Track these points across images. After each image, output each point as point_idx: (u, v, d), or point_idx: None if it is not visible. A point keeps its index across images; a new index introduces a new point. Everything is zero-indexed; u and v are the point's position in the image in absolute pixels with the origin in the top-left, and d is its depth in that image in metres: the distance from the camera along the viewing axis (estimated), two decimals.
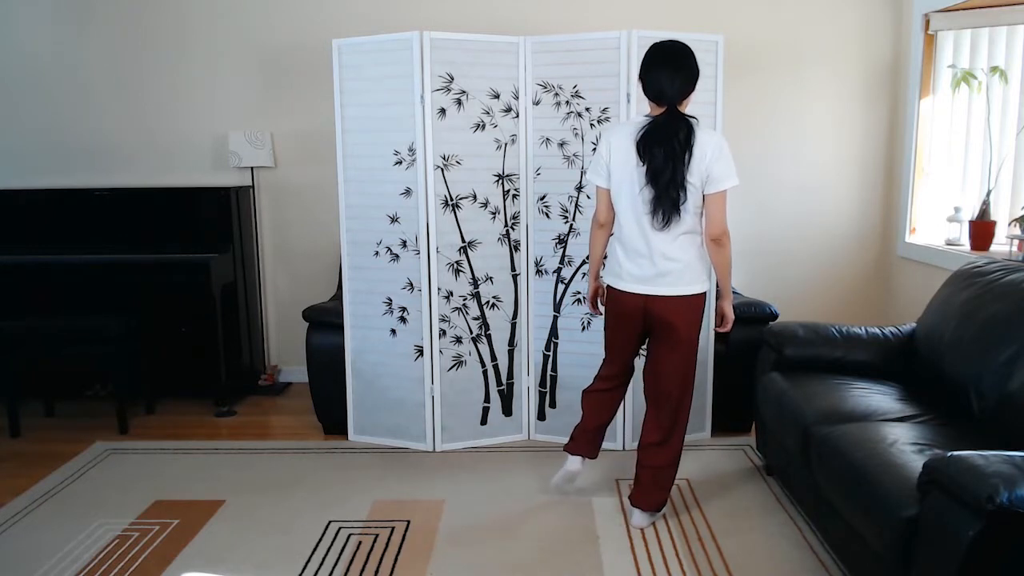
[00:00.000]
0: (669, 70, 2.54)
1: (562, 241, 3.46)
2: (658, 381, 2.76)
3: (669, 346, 2.70)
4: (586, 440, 2.94)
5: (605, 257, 2.87)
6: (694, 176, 2.55)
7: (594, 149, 3.31)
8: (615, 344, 2.84)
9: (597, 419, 2.93)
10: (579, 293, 3.45)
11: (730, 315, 2.80)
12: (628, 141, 2.59)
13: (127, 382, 3.89)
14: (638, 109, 3.28)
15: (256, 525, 2.88)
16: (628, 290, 2.67)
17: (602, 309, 2.93)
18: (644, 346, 2.90)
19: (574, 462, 2.96)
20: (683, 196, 2.55)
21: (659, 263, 2.62)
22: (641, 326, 2.72)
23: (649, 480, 2.80)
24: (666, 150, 2.51)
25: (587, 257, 2.83)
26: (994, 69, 3.60)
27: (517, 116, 3.42)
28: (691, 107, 3.36)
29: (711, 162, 2.55)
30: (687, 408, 2.81)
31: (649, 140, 2.53)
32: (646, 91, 2.60)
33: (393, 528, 2.84)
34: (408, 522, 2.88)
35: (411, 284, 3.45)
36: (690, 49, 2.58)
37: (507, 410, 3.62)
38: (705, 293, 2.72)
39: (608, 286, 2.79)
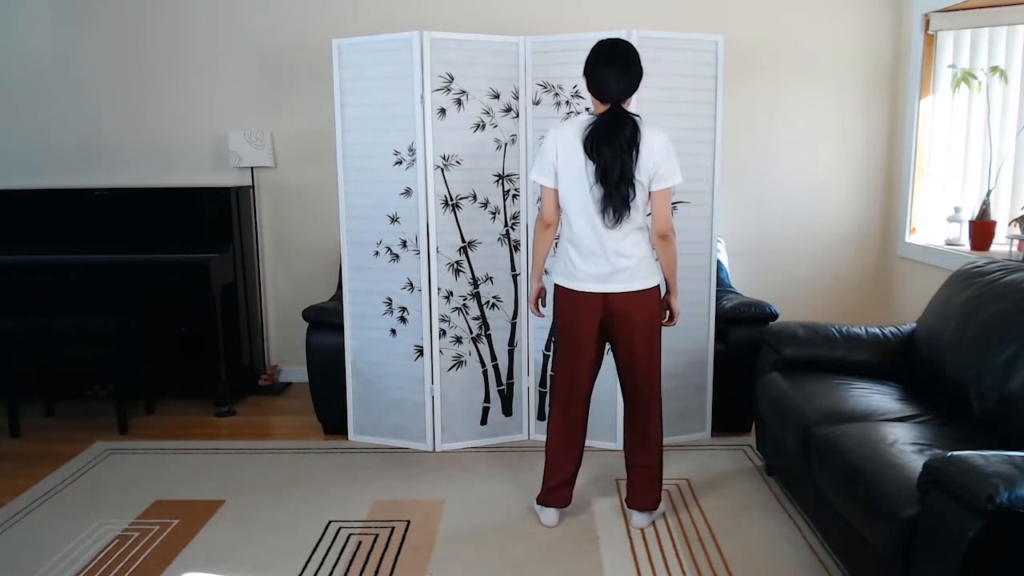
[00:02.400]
0: (616, 69, 2.55)
1: None
2: (629, 376, 2.76)
3: (632, 341, 2.69)
4: (560, 493, 2.86)
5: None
6: (642, 173, 2.57)
7: None
8: (576, 350, 2.73)
9: (571, 466, 2.85)
10: None
11: (677, 310, 2.81)
12: (575, 140, 2.59)
13: (127, 382, 3.89)
14: (637, 109, 3.28)
15: (256, 525, 2.88)
16: (586, 290, 2.66)
17: (543, 311, 2.92)
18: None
19: (551, 515, 2.87)
20: (633, 193, 2.56)
21: (614, 260, 2.62)
22: (599, 325, 2.69)
23: (643, 480, 2.81)
24: (613, 148, 2.52)
25: None
26: (994, 69, 3.60)
27: (517, 116, 3.42)
28: (691, 106, 3.39)
29: (660, 160, 2.57)
30: (659, 399, 2.80)
31: (596, 138, 2.54)
32: (591, 89, 2.60)
33: (393, 528, 2.84)
34: (408, 522, 2.88)
35: (411, 284, 3.45)
36: (635, 49, 2.60)
37: (507, 410, 3.62)
38: (659, 286, 2.73)
39: (560, 288, 2.73)
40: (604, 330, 2.72)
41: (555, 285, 2.76)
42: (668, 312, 2.81)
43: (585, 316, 2.68)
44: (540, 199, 2.73)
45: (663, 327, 2.83)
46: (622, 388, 2.82)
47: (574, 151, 2.58)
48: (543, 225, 2.73)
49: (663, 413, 2.88)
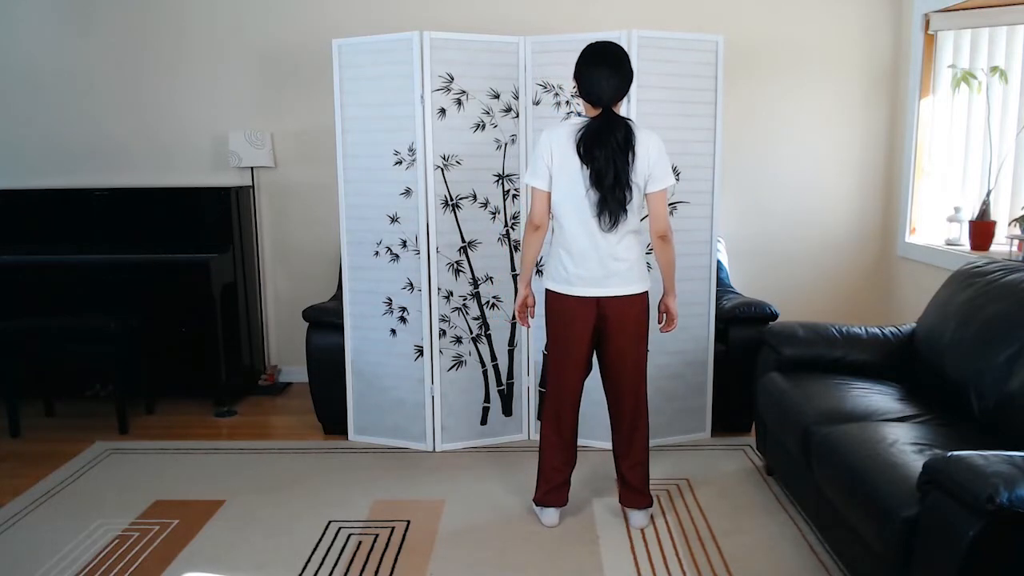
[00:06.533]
0: (607, 71, 2.54)
1: None
2: (617, 377, 2.75)
3: (624, 343, 2.69)
4: (561, 493, 2.87)
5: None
6: (638, 176, 2.57)
7: None
8: (570, 355, 2.72)
9: (568, 470, 2.86)
10: None
11: (675, 311, 2.80)
12: (568, 143, 2.58)
13: (127, 382, 3.89)
14: (637, 109, 3.28)
15: (256, 525, 2.88)
16: (581, 295, 2.64)
17: (531, 322, 2.89)
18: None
19: (552, 515, 2.86)
20: (629, 196, 2.56)
21: (608, 264, 2.62)
22: (593, 330, 2.69)
23: (636, 478, 2.80)
24: (606, 152, 2.52)
25: None
26: (994, 69, 3.60)
27: (517, 116, 3.42)
28: (691, 106, 3.39)
29: (655, 162, 2.58)
30: (645, 398, 2.80)
31: (588, 142, 2.54)
32: (582, 92, 2.59)
33: (393, 528, 2.84)
34: (408, 522, 2.88)
35: (411, 284, 3.45)
36: (625, 51, 2.59)
37: (507, 410, 3.62)
38: (648, 291, 2.73)
39: (553, 293, 2.70)
40: (596, 335, 2.72)
41: (547, 290, 2.74)
42: (666, 315, 2.81)
43: (580, 321, 2.68)
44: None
45: (662, 332, 2.85)
46: (609, 389, 2.81)
47: (568, 154, 2.58)
48: (532, 227, 2.69)
49: (649, 413, 2.88)
